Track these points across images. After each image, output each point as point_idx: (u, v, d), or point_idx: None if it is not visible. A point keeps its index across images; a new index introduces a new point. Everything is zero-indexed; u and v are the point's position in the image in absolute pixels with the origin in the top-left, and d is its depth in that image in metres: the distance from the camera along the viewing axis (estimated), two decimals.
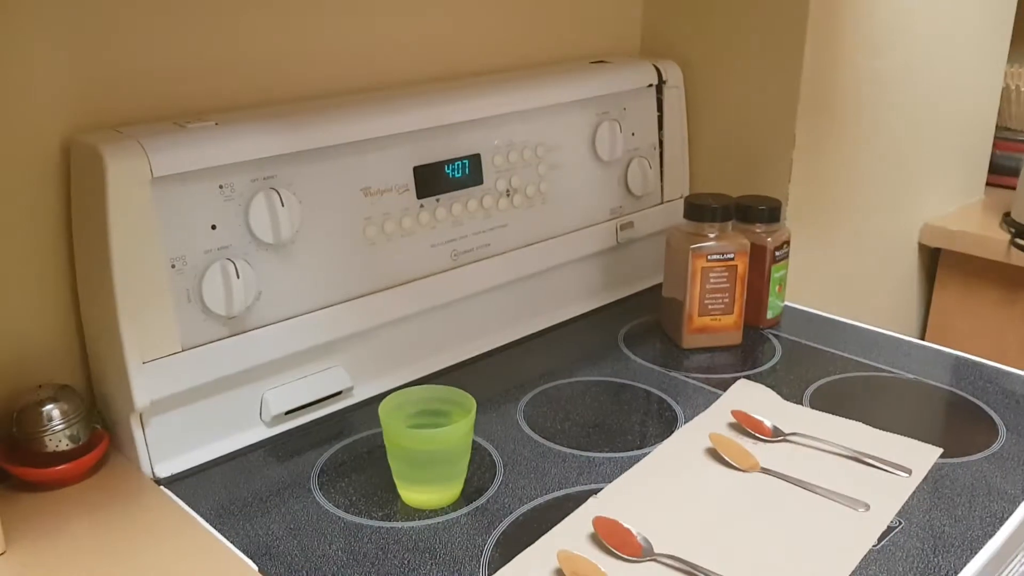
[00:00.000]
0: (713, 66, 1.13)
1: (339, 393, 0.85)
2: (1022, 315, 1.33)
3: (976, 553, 0.66)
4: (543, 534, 0.67)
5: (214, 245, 0.75)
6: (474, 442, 0.77)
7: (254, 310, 0.78)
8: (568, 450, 0.79)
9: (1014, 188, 1.37)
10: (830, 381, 0.91)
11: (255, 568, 0.65)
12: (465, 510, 0.71)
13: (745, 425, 0.81)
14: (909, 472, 0.75)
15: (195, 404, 0.77)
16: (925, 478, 0.74)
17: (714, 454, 0.77)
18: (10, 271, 0.73)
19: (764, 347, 0.99)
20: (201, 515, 0.70)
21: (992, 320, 1.36)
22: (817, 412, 0.85)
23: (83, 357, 0.78)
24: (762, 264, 1.00)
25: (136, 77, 0.76)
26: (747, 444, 0.79)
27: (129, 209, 0.70)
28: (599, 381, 0.92)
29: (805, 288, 1.16)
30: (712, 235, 0.96)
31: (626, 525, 0.67)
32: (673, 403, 0.87)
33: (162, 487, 0.74)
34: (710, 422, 0.83)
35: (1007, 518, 0.69)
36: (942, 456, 0.77)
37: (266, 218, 0.76)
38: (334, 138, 0.80)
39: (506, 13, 1.03)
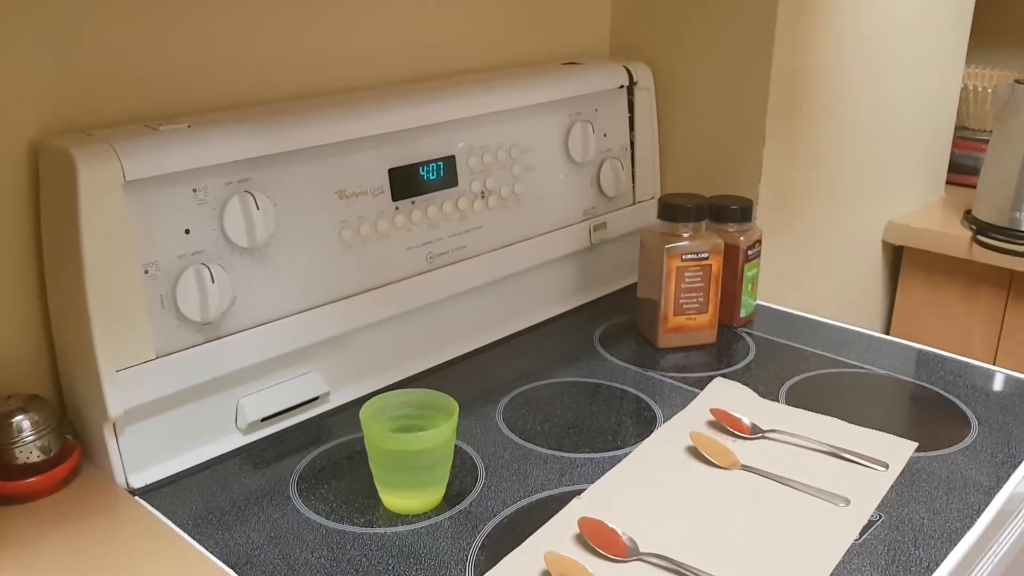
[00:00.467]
0: (683, 67, 1.14)
1: (316, 399, 0.84)
2: (984, 310, 1.36)
3: (955, 545, 0.67)
4: (528, 536, 0.67)
5: (188, 250, 0.74)
6: (455, 445, 0.77)
7: (229, 316, 0.77)
8: (549, 451, 0.79)
9: (974, 186, 1.40)
10: (804, 378, 0.92)
11: None
12: (448, 514, 0.70)
13: (724, 423, 0.82)
14: (886, 466, 0.76)
15: (170, 412, 0.76)
16: (902, 472, 0.75)
17: (695, 452, 0.77)
18: None
19: (738, 345, 1.00)
20: (178, 525, 0.69)
21: (955, 315, 1.38)
22: (793, 408, 0.85)
23: (53, 366, 0.76)
24: (735, 263, 1.01)
25: (107, 79, 0.75)
26: (727, 442, 0.79)
27: (101, 213, 0.68)
28: (577, 382, 0.92)
29: (776, 286, 1.17)
30: (686, 235, 0.96)
31: (611, 525, 0.67)
32: (651, 402, 0.87)
33: (137, 497, 0.73)
34: (689, 421, 0.83)
35: (983, 509, 0.71)
36: (917, 450, 0.79)
37: (241, 222, 0.75)
38: (308, 140, 0.80)
39: (477, 15, 1.03)
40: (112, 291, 0.69)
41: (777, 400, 0.87)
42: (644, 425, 0.83)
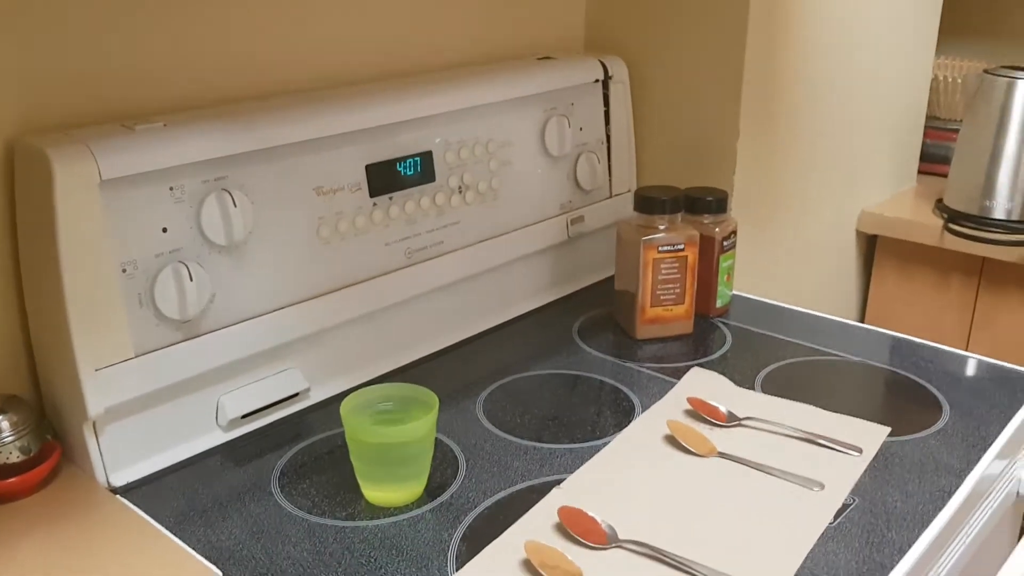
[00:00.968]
0: (657, 61, 1.15)
1: (296, 395, 0.85)
2: (957, 297, 1.38)
3: (927, 526, 0.68)
4: (509, 526, 0.68)
5: (166, 248, 0.74)
6: (436, 438, 0.77)
7: (208, 313, 0.77)
8: (529, 443, 0.80)
9: (945, 175, 1.42)
10: (779, 366, 0.93)
11: (219, 573, 0.64)
12: (429, 506, 0.71)
13: (701, 412, 0.83)
14: (860, 451, 0.77)
15: (150, 410, 0.76)
16: (876, 456, 0.77)
17: (672, 441, 0.79)
18: None
19: (715, 335, 1.01)
20: (160, 523, 0.69)
21: (928, 302, 1.40)
22: (769, 396, 0.87)
23: (31, 366, 0.76)
24: (711, 254, 1.02)
25: (82, 78, 0.75)
26: (704, 430, 0.80)
27: (77, 213, 0.68)
28: (556, 374, 0.93)
29: (751, 276, 1.18)
30: (662, 227, 0.97)
31: (591, 514, 0.68)
32: (630, 393, 0.88)
33: (118, 496, 0.73)
34: (667, 410, 0.84)
35: (954, 492, 0.72)
36: (890, 435, 0.80)
37: (218, 220, 0.75)
38: (285, 137, 0.80)
39: (452, 10, 1.03)
40: (90, 290, 0.69)
41: (753, 388, 0.89)
42: (622, 415, 0.84)
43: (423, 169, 0.92)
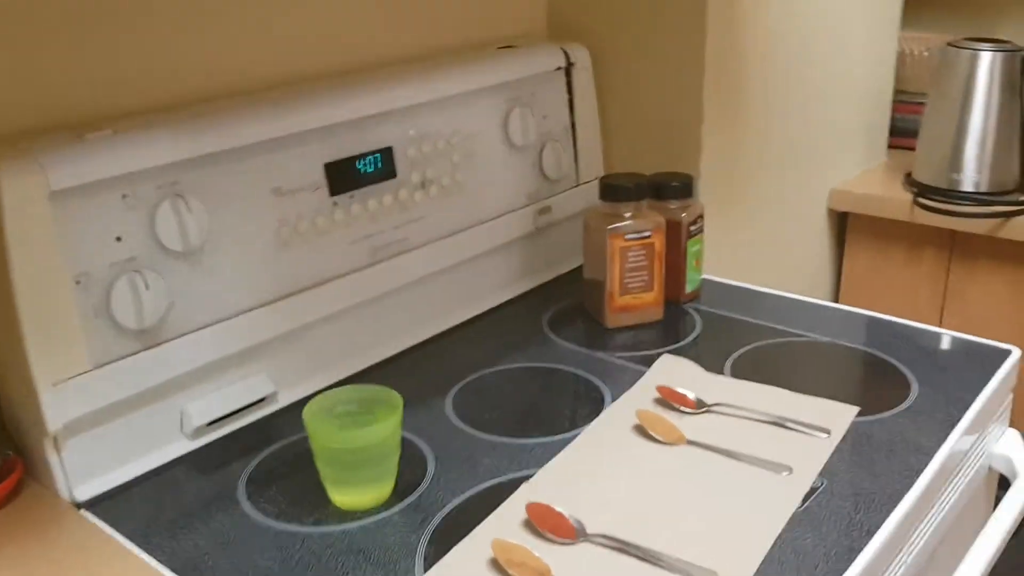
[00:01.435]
0: (619, 47, 1.14)
1: (262, 400, 0.84)
2: (929, 271, 1.38)
3: (896, 506, 0.68)
4: (477, 525, 0.67)
5: (120, 257, 0.73)
6: (404, 438, 0.77)
7: (167, 321, 0.76)
8: (499, 439, 0.79)
9: (915, 149, 1.42)
10: (749, 349, 0.93)
11: None
12: (398, 508, 0.71)
13: (670, 399, 0.82)
14: (828, 433, 0.77)
15: (112, 422, 0.75)
16: (844, 437, 0.77)
17: (641, 431, 0.78)
18: None
19: (685, 321, 1.01)
20: (126, 536, 0.68)
21: (901, 278, 1.41)
22: (738, 381, 0.87)
23: None
24: (678, 240, 1.02)
25: (28, 87, 0.73)
26: (673, 418, 0.80)
27: (27, 226, 0.67)
28: (526, 367, 0.92)
29: (721, 260, 1.18)
30: (628, 215, 0.97)
31: (558, 509, 0.67)
32: (600, 383, 0.88)
33: (83, 511, 0.72)
34: (636, 399, 0.84)
35: (923, 470, 0.72)
36: (859, 415, 0.80)
37: (173, 226, 0.74)
38: (240, 139, 0.79)
39: (409, 1, 1.02)
40: (44, 304, 0.68)
41: (723, 373, 0.89)
42: (592, 406, 0.84)
43: (384, 166, 0.91)
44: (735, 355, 0.92)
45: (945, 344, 0.93)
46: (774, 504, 0.69)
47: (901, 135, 1.57)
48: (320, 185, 0.86)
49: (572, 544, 0.65)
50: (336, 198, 0.87)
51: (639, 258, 0.98)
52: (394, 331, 0.96)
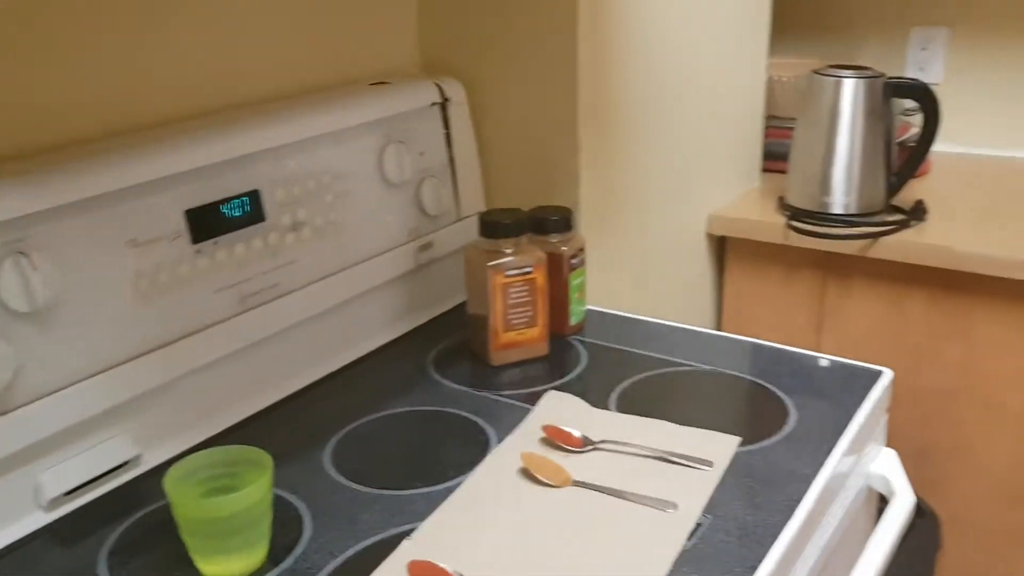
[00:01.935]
0: (493, 81, 1.14)
1: (125, 464, 0.79)
2: (806, 292, 1.42)
3: (777, 538, 0.68)
4: None
5: None
6: (277, 496, 0.73)
7: (15, 387, 0.71)
8: (380, 491, 0.76)
9: (786, 172, 1.46)
10: (634, 381, 0.93)
11: None
12: (272, 574, 0.67)
13: (555, 439, 0.81)
14: (711, 464, 0.77)
15: None
16: (727, 469, 0.77)
17: (527, 473, 0.77)
18: None
19: (570, 354, 1.00)
20: None
21: (779, 299, 1.44)
22: (623, 416, 0.86)
23: None
24: (560, 273, 1.01)
25: None
26: (558, 458, 0.79)
27: None
28: (410, 412, 0.90)
29: (604, 290, 1.18)
30: (508, 250, 0.96)
31: (441, 564, 0.65)
32: (485, 425, 0.86)
33: None
34: (521, 441, 0.82)
35: (802, 499, 0.73)
36: (740, 444, 0.81)
37: (17, 285, 0.69)
38: (88, 190, 0.74)
39: (274, 38, 0.99)
40: None
41: (608, 407, 0.88)
42: (478, 450, 0.82)
43: (251, 209, 0.87)
44: (620, 387, 0.92)
45: (821, 368, 0.95)
46: (661, 543, 0.68)
47: (773, 159, 1.62)
48: (180, 233, 0.81)
49: None
50: (199, 245, 0.83)
51: (521, 294, 0.97)
52: (268, 381, 0.92)
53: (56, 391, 0.73)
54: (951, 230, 1.32)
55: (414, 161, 1.05)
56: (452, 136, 1.11)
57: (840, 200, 1.36)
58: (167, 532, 0.72)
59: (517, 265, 0.96)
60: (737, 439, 0.81)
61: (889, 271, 1.34)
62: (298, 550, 0.69)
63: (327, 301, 0.95)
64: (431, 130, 1.08)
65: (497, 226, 0.96)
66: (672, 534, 0.69)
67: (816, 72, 1.38)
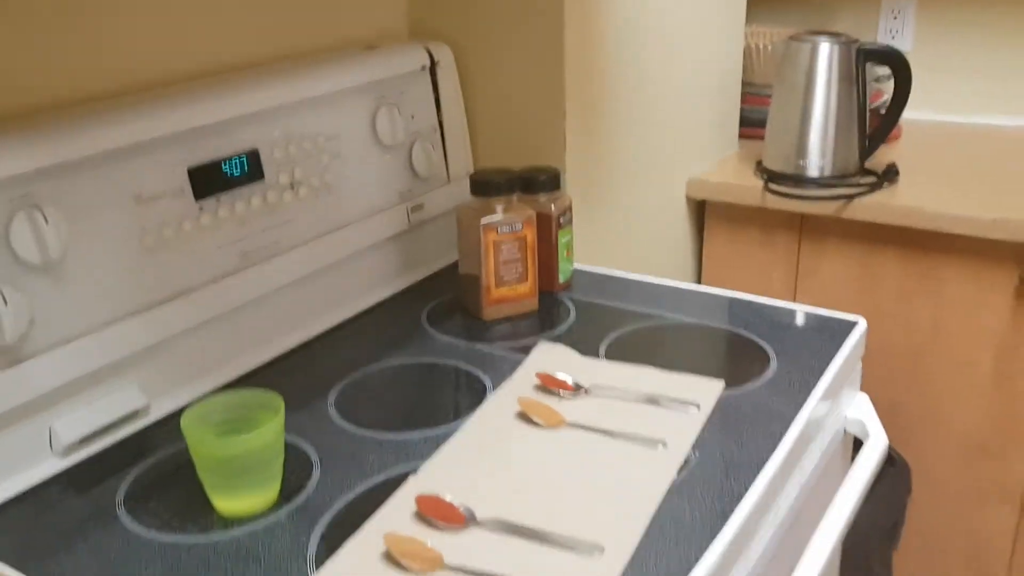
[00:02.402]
0: (482, 45, 1.16)
1: (135, 413, 0.81)
2: (782, 252, 1.46)
3: (761, 470, 0.73)
4: (367, 521, 0.68)
5: None
6: (287, 441, 0.76)
7: (29, 338, 0.73)
8: (383, 435, 0.80)
9: (763, 138, 1.50)
10: (622, 333, 0.97)
11: None
12: (285, 511, 0.70)
13: (549, 385, 0.85)
14: (698, 407, 0.82)
15: None
16: (713, 410, 0.81)
17: (524, 416, 0.80)
18: None
19: (559, 310, 1.04)
20: (3, 561, 0.65)
21: (757, 260, 1.49)
22: (612, 363, 0.90)
23: None
24: (549, 232, 1.05)
25: None
26: (552, 402, 0.83)
27: None
28: (407, 364, 0.93)
29: (590, 249, 1.22)
30: (499, 208, 0.99)
31: (447, 498, 0.68)
32: (481, 374, 0.90)
33: None
34: (517, 387, 0.86)
35: (784, 436, 0.77)
36: (725, 388, 0.85)
37: (30, 239, 0.71)
38: (96, 146, 0.76)
39: (267, 2, 1.01)
40: None
41: (598, 357, 0.92)
42: (475, 397, 0.85)
43: (251, 168, 0.90)
44: (608, 339, 0.96)
45: (799, 319, 0.99)
46: (652, 478, 0.72)
47: (750, 125, 1.66)
48: (184, 190, 0.84)
49: (463, 531, 0.66)
50: (201, 202, 0.85)
51: (512, 251, 1.00)
52: (269, 335, 0.95)
53: (67, 342, 0.76)
54: (921, 192, 1.36)
55: (406, 124, 1.07)
56: (441, 100, 1.13)
57: (816, 163, 1.40)
58: (180, 476, 0.75)
59: (508, 223, 0.99)
60: (721, 383, 0.85)
61: (862, 232, 1.38)
62: (309, 488, 0.73)
63: (324, 259, 0.98)
64: (421, 93, 1.11)
65: (488, 185, 0.99)
66: (662, 469, 0.73)
67: (792, 38, 1.42)
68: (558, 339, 0.96)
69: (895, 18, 1.78)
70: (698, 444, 0.76)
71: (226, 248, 0.88)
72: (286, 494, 0.72)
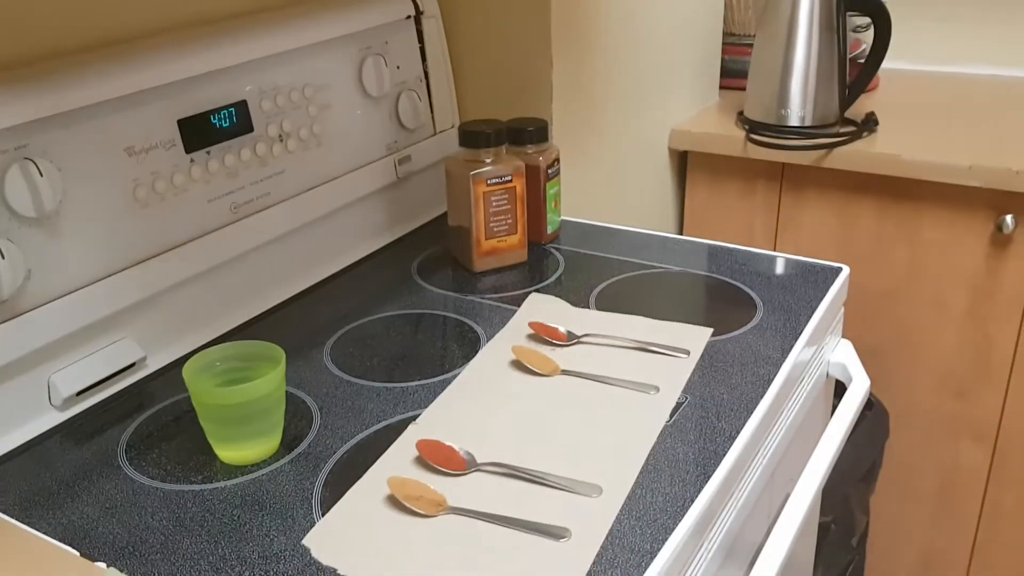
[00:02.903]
0: None
1: (132, 365, 0.82)
2: (762, 202, 1.48)
3: (752, 412, 0.75)
4: (370, 467, 0.69)
5: None
6: (287, 392, 0.77)
7: (26, 291, 0.73)
8: (381, 384, 0.81)
9: (744, 89, 1.51)
10: (610, 283, 0.98)
11: (76, 554, 0.62)
12: (287, 458, 0.71)
13: (542, 334, 0.86)
14: (688, 353, 0.83)
15: None
16: (702, 356, 0.83)
17: (518, 365, 0.82)
18: None
19: (548, 261, 1.05)
20: (5, 512, 0.66)
21: (738, 210, 1.50)
22: (603, 312, 0.92)
23: None
24: (537, 183, 1.05)
25: None
26: (546, 351, 0.84)
27: None
28: (400, 315, 0.94)
29: (575, 201, 1.23)
30: (488, 160, 0.99)
31: (448, 443, 0.70)
32: (474, 324, 0.91)
33: None
34: (510, 336, 0.87)
35: (773, 379, 0.79)
36: (713, 335, 0.87)
37: (25, 191, 0.71)
38: (87, 98, 0.75)
39: None
40: None
41: (588, 307, 0.93)
42: (469, 346, 0.87)
43: (239, 120, 0.89)
44: (597, 289, 0.97)
45: (784, 267, 1.01)
46: (645, 421, 0.74)
47: (730, 76, 1.66)
48: (175, 142, 0.83)
49: (464, 474, 0.68)
50: (192, 155, 0.85)
51: (502, 202, 1.01)
52: (263, 287, 0.95)
53: (63, 295, 0.76)
54: (900, 140, 1.38)
55: (392, 74, 1.07)
56: (427, 49, 1.13)
57: (797, 112, 1.42)
58: (180, 427, 0.76)
59: (497, 174, 0.99)
60: (710, 330, 0.87)
61: (841, 181, 1.40)
62: (310, 437, 0.74)
63: (314, 211, 0.98)
64: (406, 43, 1.10)
65: (478, 136, 0.99)
66: (655, 412, 0.75)
67: None
68: (548, 289, 0.97)
69: None
70: (689, 389, 0.78)
71: (217, 201, 0.88)
72: (287, 443, 0.73)
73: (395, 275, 1.02)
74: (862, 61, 1.47)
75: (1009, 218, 1.29)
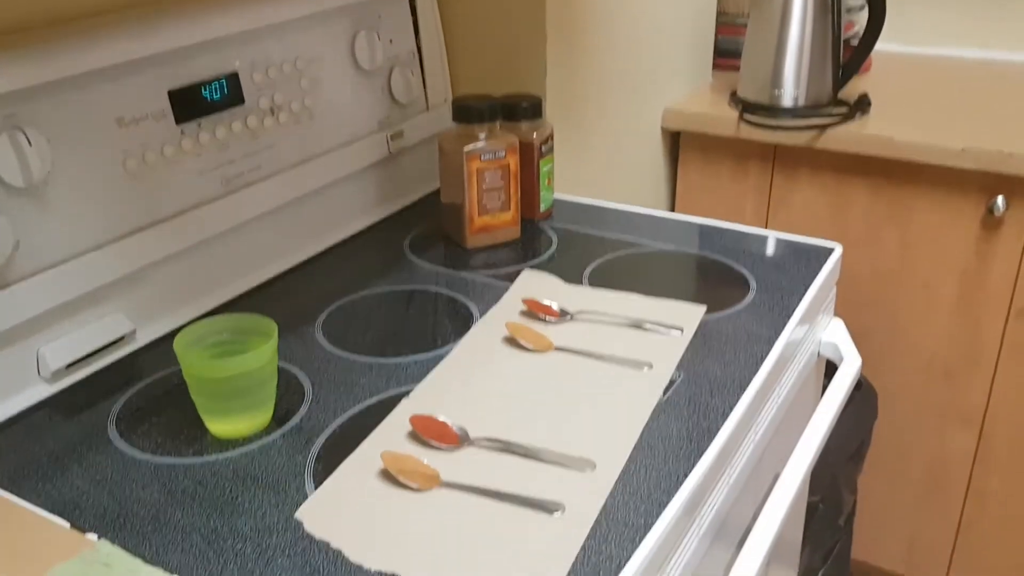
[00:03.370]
0: None
1: (122, 338, 0.81)
2: (754, 183, 1.48)
3: (745, 390, 0.75)
4: (363, 441, 0.69)
5: None
6: (279, 366, 0.77)
7: (14, 262, 0.72)
8: (374, 359, 0.81)
9: (737, 69, 1.50)
10: (603, 261, 0.98)
11: (67, 525, 0.62)
12: (279, 432, 0.71)
13: (536, 311, 0.86)
14: (681, 330, 0.83)
15: None
16: (695, 333, 0.83)
17: (512, 341, 0.82)
18: None
19: (541, 238, 1.04)
20: None
21: (730, 190, 1.50)
22: (596, 289, 0.91)
23: None
24: (531, 160, 1.05)
25: None
26: (540, 327, 0.84)
27: None
28: (392, 290, 0.93)
29: (568, 179, 1.22)
30: (482, 136, 0.99)
31: (441, 418, 0.70)
32: (467, 300, 0.90)
33: None
34: (504, 313, 0.87)
35: (766, 357, 0.80)
36: (707, 313, 0.87)
37: (13, 161, 0.70)
38: (77, 67, 0.74)
39: None
40: None
41: (581, 284, 0.93)
42: (462, 322, 0.86)
43: (230, 91, 0.88)
44: (591, 267, 0.97)
45: (777, 246, 1.01)
46: (639, 397, 0.74)
47: (724, 55, 1.66)
48: (165, 113, 0.82)
49: (457, 449, 0.67)
50: (183, 126, 0.84)
51: (495, 178, 1.00)
52: (254, 262, 0.94)
53: (52, 267, 0.75)
54: (892, 122, 1.38)
55: (384, 48, 1.06)
56: (420, 24, 1.12)
57: (790, 93, 1.41)
58: (170, 400, 0.76)
59: (491, 150, 0.99)
60: (703, 307, 0.87)
61: (833, 162, 1.40)
62: (302, 411, 0.73)
63: (306, 186, 0.97)
64: (399, 18, 1.09)
65: (471, 111, 0.98)
66: (649, 389, 0.75)
67: None
68: (541, 266, 0.97)
69: None
70: (682, 366, 0.78)
71: (208, 174, 0.87)
72: (279, 417, 0.73)
73: (388, 251, 1.02)
74: (855, 43, 1.47)
75: (1000, 200, 1.29)
